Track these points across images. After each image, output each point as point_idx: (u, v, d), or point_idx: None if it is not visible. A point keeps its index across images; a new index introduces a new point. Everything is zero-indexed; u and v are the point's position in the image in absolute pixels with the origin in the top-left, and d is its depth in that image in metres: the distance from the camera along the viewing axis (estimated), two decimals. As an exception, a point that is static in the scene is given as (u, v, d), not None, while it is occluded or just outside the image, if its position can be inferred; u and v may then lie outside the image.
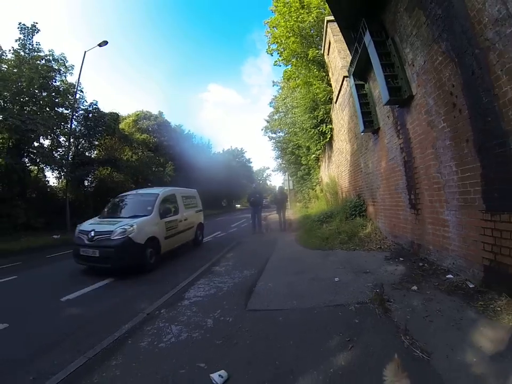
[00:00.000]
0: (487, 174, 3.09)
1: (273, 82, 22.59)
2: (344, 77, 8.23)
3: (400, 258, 4.86)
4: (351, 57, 6.68)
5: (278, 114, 23.53)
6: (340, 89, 9.11)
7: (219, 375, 2.10)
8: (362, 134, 7.08)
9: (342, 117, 9.56)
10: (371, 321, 2.80)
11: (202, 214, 9.86)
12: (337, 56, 8.87)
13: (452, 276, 3.72)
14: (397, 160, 5.42)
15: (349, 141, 9.19)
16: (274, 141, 27.19)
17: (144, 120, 27.42)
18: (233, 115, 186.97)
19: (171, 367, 2.35)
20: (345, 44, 7.00)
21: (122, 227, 5.67)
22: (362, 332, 2.61)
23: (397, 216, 5.78)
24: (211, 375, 2.12)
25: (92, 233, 5.74)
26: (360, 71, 6.33)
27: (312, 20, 10.98)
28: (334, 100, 10.56)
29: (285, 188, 26.61)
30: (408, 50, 4.46)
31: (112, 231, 5.62)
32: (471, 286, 3.34)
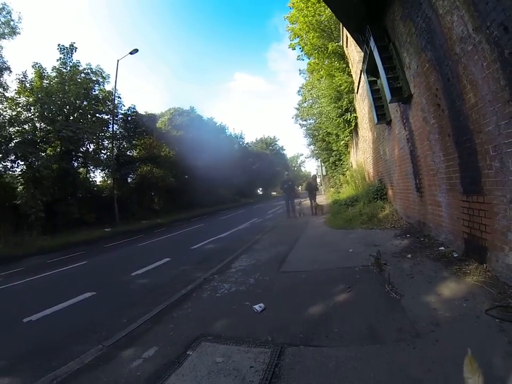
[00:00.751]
0: (462, 163, 3.82)
1: (299, 70, 22.84)
2: (361, 70, 8.78)
3: (407, 235, 5.65)
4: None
5: (306, 103, 23.91)
6: (359, 81, 9.67)
7: (259, 306, 3.32)
8: (376, 125, 7.72)
9: (363, 107, 10.12)
10: (368, 277, 3.84)
11: None
12: (354, 50, 9.43)
13: (443, 248, 4.48)
14: (405, 149, 6.10)
15: (370, 130, 9.78)
16: (305, 128, 27.62)
17: (178, 117, 29.12)
18: (262, 103, 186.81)
19: (226, 305, 3.54)
20: (359, 39, 7.62)
21: None
22: (359, 282, 3.68)
23: (408, 198, 6.48)
24: (253, 306, 3.33)
25: None
26: (371, 69, 6.96)
27: (329, 13, 11.39)
28: (356, 90, 11.09)
29: (318, 175, 27.09)
30: (405, 54, 5.13)
31: None
32: (455, 256, 4.08)
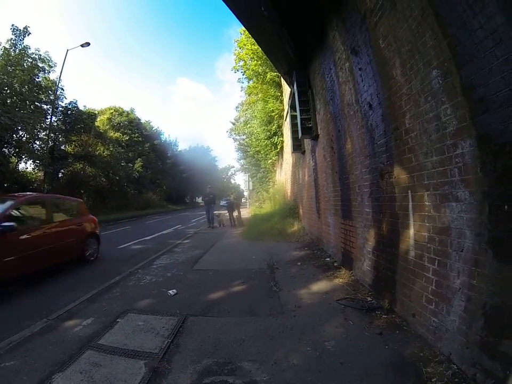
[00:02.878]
0: (342, 195, 5.09)
1: (241, 87, 24.15)
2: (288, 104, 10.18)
3: (306, 248, 6.90)
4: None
5: (241, 119, 25.27)
6: (287, 112, 11.07)
7: (172, 291, 4.14)
8: (292, 153, 9.11)
9: (288, 133, 11.54)
10: (260, 276, 4.83)
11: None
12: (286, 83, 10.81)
13: (329, 259, 5.72)
14: (312, 177, 7.44)
15: (291, 155, 11.20)
16: (238, 143, 28.86)
17: (116, 115, 28.10)
18: (202, 111, 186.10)
19: (148, 290, 4.32)
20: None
21: None
22: (252, 280, 4.67)
23: (311, 218, 7.83)
24: (168, 291, 4.13)
25: None
26: (294, 105, 8.27)
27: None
28: (284, 117, 12.54)
29: (244, 189, 28.51)
30: (317, 102, 6.45)
31: None
32: (335, 265, 5.30)
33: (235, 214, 13.67)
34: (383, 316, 2.99)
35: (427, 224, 2.53)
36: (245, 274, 4.95)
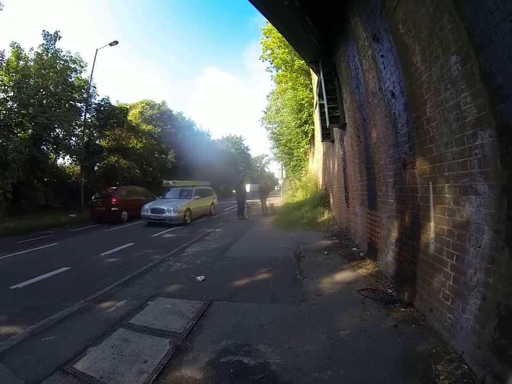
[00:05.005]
0: (369, 184, 4.97)
1: (271, 77, 23.90)
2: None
3: (334, 237, 6.84)
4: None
5: (272, 108, 25.10)
6: (316, 100, 10.83)
7: (200, 277, 4.38)
8: (322, 142, 8.95)
9: (317, 122, 11.32)
10: (286, 264, 4.93)
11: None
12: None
13: (355, 249, 5.66)
14: (341, 166, 7.30)
15: (321, 143, 10.99)
16: (270, 131, 28.75)
17: (148, 108, 29.07)
18: (233, 101, 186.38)
19: (178, 277, 4.59)
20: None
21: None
22: (278, 267, 4.77)
23: (341, 207, 7.72)
24: (196, 277, 4.38)
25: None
26: (321, 93, 8.09)
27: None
28: (314, 105, 12.29)
29: (277, 177, 28.44)
30: (344, 90, 6.27)
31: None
32: (361, 255, 5.25)
33: (266, 202, 13.61)
34: (401, 309, 2.96)
35: (447, 217, 2.45)
36: (272, 262, 5.07)
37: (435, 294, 2.56)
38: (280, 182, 33.74)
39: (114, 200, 12.35)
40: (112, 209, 12.13)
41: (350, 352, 2.33)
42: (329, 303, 3.31)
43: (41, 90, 14.88)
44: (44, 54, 15.33)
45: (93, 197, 13.72)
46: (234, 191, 14.01)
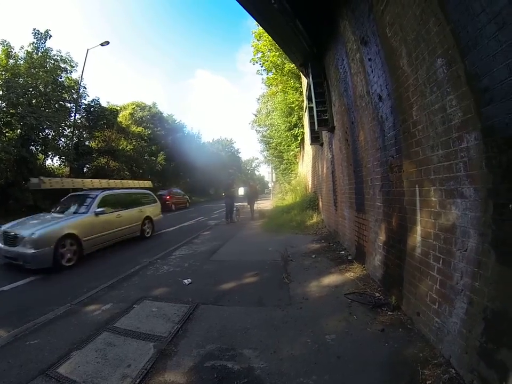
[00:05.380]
0: (356, 188, 4.98)
1: (262, 79, 23.97)
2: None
3: (322, 241, 6.82)
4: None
5: (262, 111, 25.14)
6: (306, 103, 10.88)
7: (187, 280, 4.34)
8: (310, 145, 8.97)
9: (306, 125, 11.37)
10: (274, 267, 4.88)
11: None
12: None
13: (343, 252, 5.64)
14: (330, 169, 7.32)
15: (311, 147, 11.03)
16: (260, 134, 28.74)
17: (139, 110, 28.83)
18: (223, 103, 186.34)
19: (165, 280, 4.54)
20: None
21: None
22: (266, 271, 4.72)
23: (329, 210, 7.73)
24: (183, 280, 4.34)
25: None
26: (310, 96, 8.11)
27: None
28: (304, 108, 12.34)
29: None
30: (332, 94, 6.29)
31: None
32: (349, 258, 5.23)
33: (255, 206, 13.38)
34: (389, 313, 2.94)
35: (433, 220, 2.44)
36: (259, 265, 5.02)
37: (422, 297, 2.55)
38: (270, 185, 33.76)
39: (168, 197, 19.19)
40: (167, 202, 18.19)
41: (335, 356, 2.29)
42: (316, 307, 3.27)
43: (31, 89, 14.62)
44: (34, 53, 15.07)
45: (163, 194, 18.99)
46: (224, 193, 13.04)
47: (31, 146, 15.58)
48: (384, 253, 3.62)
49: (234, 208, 12.39)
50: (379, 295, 3.41)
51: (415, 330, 2.56)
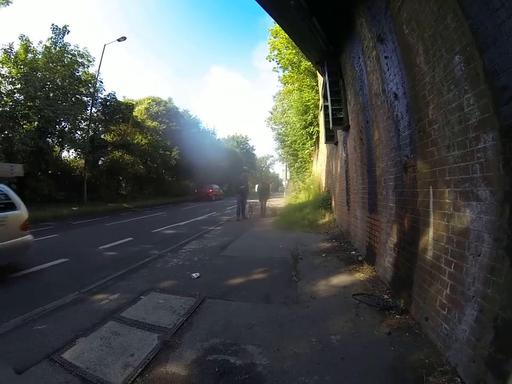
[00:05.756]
0: (369, 187, 4.88)
1: (278, 77, 23.83)
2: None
3: (333, 240, 6.74)
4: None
5: (279, 109, 25.03)
6: (322, 102, 10.75)
7: (195, 274, 4.38)
8: (325, 143, 8.86)
9: (322, 123, 11.24)
10: (283, 265, 4.85)
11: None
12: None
13: (354, 252, 5.56)
14: (343, 168, 7.21)
15: (326, 146, 10.91)
16: (276, 132, 28.62)
17: (154, 105, 29.18)
18: (240, 100, 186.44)
19: (173, 272, 4.60)
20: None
21: None
22: (275, 268, 4.73)
23: (342, 210, 7.63)
24: (192, 274, 4.38)
25: None
26: (326, 95, 8.00)
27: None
28: (320, 107, 12.20)
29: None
30: (348, 92, 6.18)
31: None
32: (359, 259, 5.15)
33: (267, 203, 13.23)
34: (396, 316, 2.87)
35: (446, 223, 2.36)
36: (269, 262, 5.02)
37: (431, 302, 2.48)
38: (284, 183, 33.62)
39: (210, 191, 26.74)
40: (209, 194, 26.46)
41: (339, 358, 2.26)
42: (323, 306, 3.23)
43: (48, 83, 15.07)
44: (52, 48, 15.55)
45: (196, 190, 27.37)
46: (236, 190, 12.72)
47: (48, 139, 16.11)
48: (395, 254, 3.54)
49: (247, 205, 12.22)
50: (388, 297, 3.34)
51: (422, 336, 2.49)
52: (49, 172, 16.44)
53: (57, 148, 17.47)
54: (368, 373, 2.06)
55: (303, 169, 21.14)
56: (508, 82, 1.67)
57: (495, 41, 1.72)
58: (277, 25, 13.52)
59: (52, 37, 15.58)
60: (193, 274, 4.38)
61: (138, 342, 2.53)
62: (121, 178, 23.26)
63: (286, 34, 12.87)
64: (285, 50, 13.46)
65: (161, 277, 4.36)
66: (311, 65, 13.02)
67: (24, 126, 14.47)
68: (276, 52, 14.13)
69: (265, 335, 2.63)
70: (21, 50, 14.48)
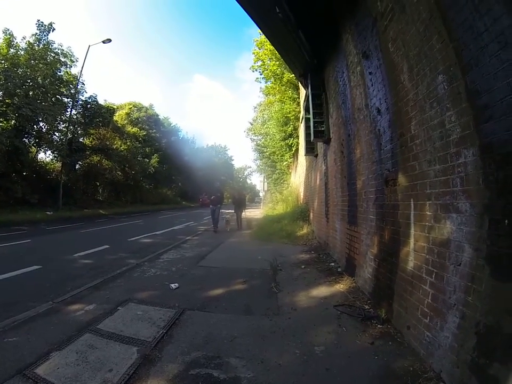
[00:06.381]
0: (350, 200, 4.99)
1: (260, 88, 24.20)
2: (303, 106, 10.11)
3: (312, 252, 6.80)
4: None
5: (259, 120, 25.34)
6: (303, 114, 11.00)
7: (174, 285, 4.25)
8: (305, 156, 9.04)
9: (302, 136, 11.46)
10: (263, 276, 4.81)
11: None
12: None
13: (333, 264, 5.62)
14: (323, 181, 7.35)
15: (305, 158, 11.11)
16: (255, 143, 28.84)
17: (135, 110, 28.81)
18: (221, 110, 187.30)
19: (151, 282, 4.46)
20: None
21: None
22: (254, 279, 4.67)
23: (320, 222, 7.73)
24: (170, 284, 4.24)
25: None
26: (308, 107, 8.20)
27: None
28: (300, 119, 12.47)
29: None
30: (330, 105, 6.36)
31: None
32: (338, 270, 5.21)
33: (242, 214, 12.43)
34: (378, 326, 2.91)
35: (427, 234, 2.44)
36: (248, 273, 4.97)
37: (413, 311, 2.53)
38: (261, 194, 33.82)
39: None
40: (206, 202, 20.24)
41: (324, 368, 2.24)
42: (305, 317, 3.21)
43: (29, 81, 14.55)
44: (35, 44, 15.05)
45: (200, 197, 23.54)
46: (210, 200, 11.75)
47: (25, 138, 15.43)
48: (375, 265, 3.62)
49: (223, 216, 11.85)
50: (369, 307, 3.39)
51: (405, 344, 2.53)
52: (24, 173, 15.69)
53: (33, 149, 16.75)
54: (354, 382, 2.06)
55: (281, 181, 21.40)
56: (488, 102, 1.78)
57: (478, 62, 1.83)
58: (263, 36, 13.86)
59: (36, 33, 15.15)
60: (172, 285, 4.27)
61: (117, 356, 2.38)
62: (98, 183, 22.63)
63: (271, 46, 13.15)
64: (269, 62, 13.72)
65: (139, 287, 4.22)
66: (294, 77, 13.32)
67: (0, 124, 13.71)
68: (259, 63, 14.36)
69: (248, 347, 2.57)
70: (4, 45, 13.90)
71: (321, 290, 4.15)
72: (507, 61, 1.63)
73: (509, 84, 1.63)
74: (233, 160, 61.12)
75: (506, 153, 1.67)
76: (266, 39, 12.93)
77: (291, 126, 13.98)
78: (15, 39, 14.46)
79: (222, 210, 12.02)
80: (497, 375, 1.58)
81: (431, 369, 2.11)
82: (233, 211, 12.80)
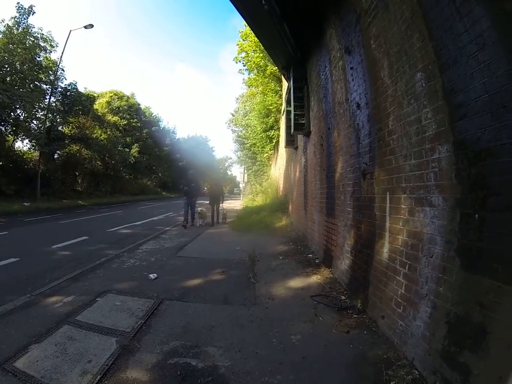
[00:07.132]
0: (328, 192, 5.08)
1: (243, 80, 23.89)
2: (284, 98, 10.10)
3: (290, 243, 6.90)
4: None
5: (240, 111, 25.12)
6: (284, 107, 11.00)
7: (153, 275, 4.27)
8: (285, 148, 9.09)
9: (283, 128, 11.49)
10: (241, 267, 4.86)
11: None
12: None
13: (311, 255, 5.73)
14: (302, 173, 7.43)
15: (285, 150, 11.16)
16: (236, 134, 28.64)
17: (116, 99, 27.88)
18: (204, 100, 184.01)
19: (130, 273, 4.47)
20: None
21: None
22: (233, 269, 4.73)
23: (299, 213, 7.84)
24: (149, 274, 4.26)
25: None
26: (289, 100, 8.21)
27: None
28: (282, 112, 12.48)
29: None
30: (312, 99, 6.39)
31: None
32: (316, 261, 5.31)
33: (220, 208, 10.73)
34: (354, 316, 3.00)
35: (402, 227, 2.53)
36: (226, 264, 5.00)
37: (387, 301, 2.63)
38: (241, 185, 33.80)
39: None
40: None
41: (300, 356, 2.29)
42: (282, 307, 3.28)
43: (6, 66, 13.70)
44: (14, 28, 14.07)
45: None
46: (183, 191, 10.08)
47: (1, 126, 14.56)
48: (352, 257, 3.72)
49: (198, 208, 10.24)
50: (345, 298, 3.49)
51: (379, 333, 2.63)
52: (0, 163, 14.80)
53: (10, 137, 15.82)
54: (330, 370, 2.12)
55: (261, 173, 21.46)
56: (463, 101, 1.84)
57: (455, 62, 1.88)
58: (247, 28, 13.62)
59: (15, 16, 14.15)
60: (151, 275, 4.26)
61: (96, 347, 2.36)
62: (77, 174, 21.92)
63: (255, 38, 12.97)
64: (253, 54, 13.52)
65: (117, 278, 4.19)
66: (277, 70, 13.22)
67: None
68: (243, 54, 14.11)
69: (226, 336, 2.60)
70: (-21, 28, 12.90)
71: (299, 281, 4.22)
72: (484, 62, 1.68)
73: (484, 84, 1.68)
74: (214, 151, 60.50)
75: (479, 150, 1.74)
76: (251, 30, 12.80)
77: (272, 118, 13.97)
78: None
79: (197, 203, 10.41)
80: (467, 362, 1.67)
81: (404, 357, 2.21)
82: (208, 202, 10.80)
